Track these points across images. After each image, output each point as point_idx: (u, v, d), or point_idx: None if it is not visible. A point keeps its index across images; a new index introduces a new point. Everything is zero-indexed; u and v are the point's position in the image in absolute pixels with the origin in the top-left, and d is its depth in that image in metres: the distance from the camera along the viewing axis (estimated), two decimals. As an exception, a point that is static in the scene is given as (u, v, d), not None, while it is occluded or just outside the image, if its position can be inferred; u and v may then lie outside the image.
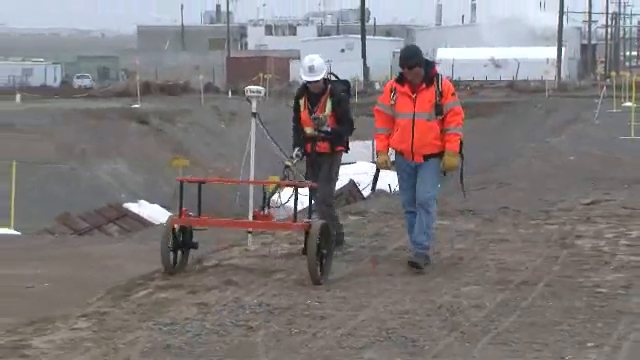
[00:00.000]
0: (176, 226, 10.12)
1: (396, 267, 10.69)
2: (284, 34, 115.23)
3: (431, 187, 10.30)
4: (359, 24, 76.70)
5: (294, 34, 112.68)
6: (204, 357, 7.44)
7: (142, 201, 28.78)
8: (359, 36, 75.13)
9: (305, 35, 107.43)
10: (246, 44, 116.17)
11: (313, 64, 10.75)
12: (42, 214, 25.18)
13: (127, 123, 38.32)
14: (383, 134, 10.35)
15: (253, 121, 10.88)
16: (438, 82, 10.13)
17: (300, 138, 10.99)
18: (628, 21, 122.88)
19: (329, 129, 10.83)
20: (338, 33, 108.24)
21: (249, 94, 10.94)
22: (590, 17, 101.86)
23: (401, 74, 10.20)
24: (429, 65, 10.24)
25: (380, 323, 8.35)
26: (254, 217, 10.39)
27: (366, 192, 24.61)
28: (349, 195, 25.53)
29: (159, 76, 71.32)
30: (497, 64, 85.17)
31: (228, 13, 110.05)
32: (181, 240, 10.15)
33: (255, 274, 10.31)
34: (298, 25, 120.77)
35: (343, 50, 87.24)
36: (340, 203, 20.73)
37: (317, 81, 10.79)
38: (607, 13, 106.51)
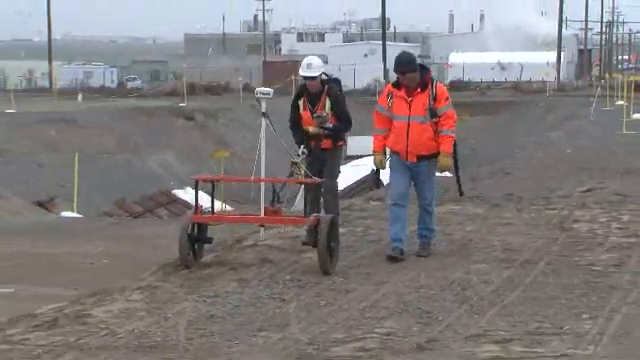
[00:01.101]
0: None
1: (413, 247, 10.68)
2: (313, 40, 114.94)
3: (430, 191, 10.07)
4: (380, 31, 76.45)
5: (322, 41, 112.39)
6: (243, 325, 7.46)
7: (188, 188, 28.78)
8: (380, 42, 74.86)
9: (332, 41, 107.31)
10: (280, 49, 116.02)
11: (312, 62, 10.45)
12: (101, 199, 25.29)
13: (175, 119, 38.40)
14: (380, 135, 9.94)
15: (263, 121, 10.41)
16: (432, 87, 9.70)
17: (301, 136, 10.57)
18: (620, 29, 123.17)
19: (331, 125, 10.46)
20: (362, 39, 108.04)
21: (259, 95, 10.53)
22: (586, 25, 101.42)
23: (398, 79, 9.83)
24: (424, 70, 9.84)
25: (398, 296, 8.36)
26: (265, 213, 9.85)
27: (385, 180, 24.49)
28: (372, 183, 25.42)
29: (203, 78, 71.42)
30: (503, 67, 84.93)
31: (264, 22, 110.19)
32: (196, 235, 9.71)
33: (287, 253, 10.33)
34: (326, 33, 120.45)
35: (366, 55, 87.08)
36: (363, 190, 20.69)
37: (314, 77, 10.36)
38: (602, 22, 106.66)
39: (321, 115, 10.33)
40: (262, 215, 9.86)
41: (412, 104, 9.62)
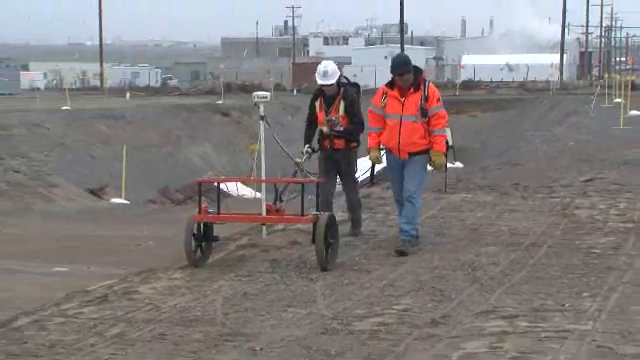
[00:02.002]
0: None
1: (430, 232, 10.67)
2: (338, 44, 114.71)
3: (416, 183, 9.46)
4: (399, 36, 76.31)
5: (346, 44, 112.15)
6: (273, 302, 7.48)
7: (223, 177, 28.96)
8: (399, 45, 74.75)
9: (355, 45, 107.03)
10: (308, 52, 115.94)
11: (327, 69, 9.79)
12: (147, 188, 25.36)
13: (213, 115, 38.45)
14: (375, 132, 9.50)
15: (261, 124, 9.78)
16: (425, 88, 9.23)
17: (310, 136, 10.09)
18: (618, 33, 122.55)
19: (342, 129, 9.88)
20: (382, 43, 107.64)
21: (256, 100, 9.79)
22: (587, 30, 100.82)
23: (392, 79, 9.35)
24: (417, 72, 9.33)
25: (415, 276, 8.36)
26: (267, 211, 9.27)
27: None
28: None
29: (238, 78, 71.39)
30: (511, 68, 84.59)
31: (294, 27, 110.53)
32: (202, 235, 9.12)
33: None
34: (349, 37, 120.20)
35: (386, 57, 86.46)
36: (383, 181, 20.62)
37: (330, 84, 9.81)
38: (601, 26, 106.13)
39: (332, 118, 9.84)
40: (264, 214, 9.28)
41: (405, 104, 9.24)
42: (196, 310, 7.25)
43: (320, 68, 9.84)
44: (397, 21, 76.34)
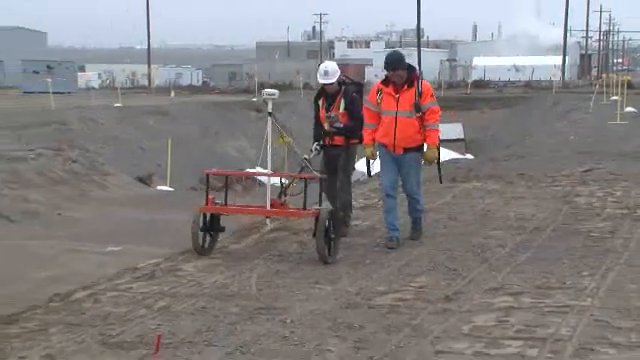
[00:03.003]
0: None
1: (443, 217, 10.64)
2: (361, 47, 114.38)
3: (416, 181, 8.92)
4: (416, 39, 76.02)
5: (368, 47, 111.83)
6: (302, 279, 7.50)
7: (258, 167, 29.00)
8: (415, 48, 74.50)
9: (376, 48, 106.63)
10: (333, 54, 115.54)
11: (328, 69, 9.19)
12: (189, 176, 25.44)
13: (248, 112, 38.42)
14: (370, 129, 8.83)
15: (269, 119, 9.23)
16: (418, 84, 8.61)
17: (319, 134, 9.45)
18: (616, 37, 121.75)
19: (341, 125, 9.20)
20: (400, 46, 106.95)
21: (265, 96, 9.29)
22: (587, 34, 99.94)
23: (386, 76, 8.73)
24: (411, 69, 8.72)
25: (430, 257, 8.35)
26: (271, 205, 8.69)
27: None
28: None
29: (271, 78, 71.43)
30: (517, 69, 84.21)
31: (321, 32, 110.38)
32: (209, 225, 8.63)
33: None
34: (371, 41, 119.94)
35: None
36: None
37: (331, 83, 9.18)
38: (600, 31, 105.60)
39: (331, 115, 9.21)
40: (268, 207, 8.72)
41: (399, 100, 8.60)
42: (233, 286, 7.28)
43: (321, 68, 9.32)
44: (414, 26, 76.02)
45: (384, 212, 9.04)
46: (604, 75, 65.02)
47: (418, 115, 8.59)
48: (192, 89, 64.71)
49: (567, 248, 8.69)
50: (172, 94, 52.42)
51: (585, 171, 15.30)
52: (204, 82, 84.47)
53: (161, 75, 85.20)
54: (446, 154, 27.52)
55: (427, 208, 9.69)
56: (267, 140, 9.22)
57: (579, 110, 35.61)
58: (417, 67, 9.08)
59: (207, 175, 8.98)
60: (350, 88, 9.35)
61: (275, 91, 9.38)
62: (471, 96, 53.63)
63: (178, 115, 33.79)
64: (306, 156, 9.34)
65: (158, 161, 24.08)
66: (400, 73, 8.59)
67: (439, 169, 9.25)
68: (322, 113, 9.39)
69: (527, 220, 10.37)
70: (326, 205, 8.47)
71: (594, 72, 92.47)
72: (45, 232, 11.96)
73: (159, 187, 20.95)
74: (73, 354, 5.54)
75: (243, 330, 6.02)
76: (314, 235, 8.07)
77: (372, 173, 9.35)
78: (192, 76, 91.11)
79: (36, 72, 55.27)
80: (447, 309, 6.52)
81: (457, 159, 23.90)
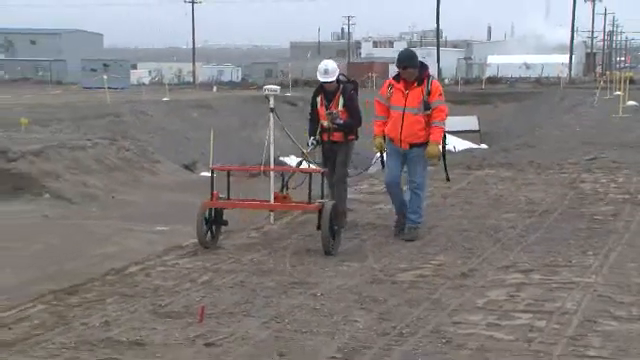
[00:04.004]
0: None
1: (459, 201, 10.58)
2: (385, 47, 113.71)
3: (421, 175, 8.26)
4: (435, 39, 75.52)
5: (392, 47, 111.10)
6: (331, 257, 7.48)
7: (292, 156, 28.99)
8: (435, 48, 74.05)
9: (399, 47, 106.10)
10: (360, 53, 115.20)
11: (327, 68, 8.57)
12: (229, 163, 25.59)
13: (282, 105, 38.36)
14: (380, 121, 8.29)
15: (271, 116, 8.66)
16: (428, 82, 8.04)
17: (314, 129, 8.84)
18: (619, 37, 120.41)
19: (341, 121, 8.64)
20: (421, 46, 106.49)
21: (267, 92, 8.70)
22: (592, 34, 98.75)
23: (398, 73, 8.19)
24: (423, 67, 8.15)
25: (447, 237, 8.31)
26: (275, 199, 8.21)
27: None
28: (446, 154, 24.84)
29: (303, 75, 71.29)
30: (528, 66, 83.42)
31: (349, 33, 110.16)
32: (213, 219, 8.06)
33: (366, 204, 10.33)
34: (394, 41, 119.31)
35: (424, 57, 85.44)
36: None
37: (331, 82, 8.60)
38: (604, 31, 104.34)
39: (331, 112, 8.63)
40: (272, 201, 8.21)
41: (408, 96, 8.04)
42: (269, 263, 7.30)
43: (321, 67, 8.66)
44: (434, 27, 75.59)
45: (392, 201, 8.58)
46: (608, 72, 64.27)
47: (426, 113, 8.05)
48: (232, 85, 64.94)
49: (573, 230, 8.61)
50: (214, 89, 52.59)
51: (590, 160, 15.15)
52: (243, 78, 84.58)
53: (204, 72, 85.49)
54: (462, 144, 27.43)
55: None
56: (270, 136, 8.78)
57: (584, 104, 35.22)
58: (429, 65, 8.41)
59: (212, 170, 8.37)
60: (348, 86, 8.82)
61: (277, 87, 8.92)
62: (485, 91, 53.24)
63: (220, 108, 33.89)
64: (304, 151, 8.90)
65: (202, 150, 24.18)
66: (411, 71, 8.06)
67: (445, 166, 8.71)
68: (322, 110, 8.79)
69: (536, 204, 10.28)
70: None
71: (598, 69, 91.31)
72: (101, 213, 12.10)
73: (202, 173, 21.06)
74: (127, 322, 5.60)
75: (278, 302, 6.04)
76: (318, 228, 7.60)
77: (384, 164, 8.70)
78: (232, 73, 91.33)
79: (94, 70, 55.79)
80: (463, 285, 6.49)
81: (472, 149, 23.77)
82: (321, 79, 8.62)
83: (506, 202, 10.52)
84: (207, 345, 5.10)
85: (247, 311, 5.82)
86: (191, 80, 72.73)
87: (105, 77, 41.84)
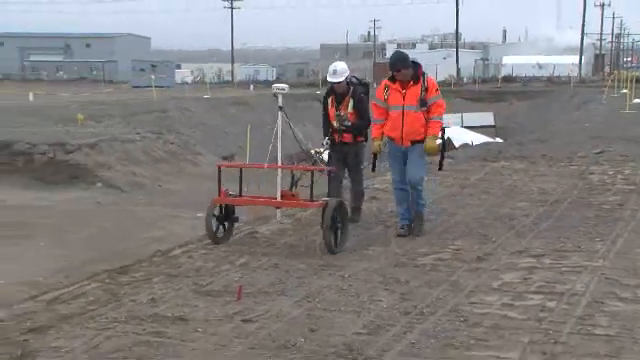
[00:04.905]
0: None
1: (477, 190, 10.50)
2: (408, 48, 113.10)
3: (419, 170, 7.76)
4: (455, 42, 74.87)
5: (414, 48, 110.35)
6: (357, 242, 7.47)
7: (321, 149, 28.93)
8: (454, 49, 73.43)
9: (421, 49, 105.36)
10: (385, 55, 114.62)
11: (337, 68, 8.07)
12: (264, 156, 25.67)
13: (312, 102, 38.42)
14: (378, 124, 7.78)
15: (279, 114, 8.11)
16: (424, 80, 7.55)
17: (328, 130, 8.40)
18: (626, 39, 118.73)
19: (349, 123, 8.13)
20: (441, 47, 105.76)
21: (275, 91, 8.08)
22: (601, 36, 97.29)
23: (393, 74, 7.65)
24: (416, 66, 7.61)
25: (465, 224, 8.25)
26: (282, 196, 7.63)
27: (457, 144, 23.96)
28: (447, 147, 24.78)
29: (333, 74, 71.24)
30: (540, 66, 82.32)
31: (375, 35, 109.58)
32: (224, 216, 7.61)
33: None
34: (417, 43, 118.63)
35: (444, 58, 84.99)
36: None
37: (340, 82, 8.05)
38: (612, 34, 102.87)
39: (340, 114, 8.15)
40: (278, 198, 7.63)
41: (406, 95, 7.56)
42: (301, 247, 7.31)
43: (331, 68, 8.17)
44: (453, 30, 74.88)
45: (396, 204, 8.04)
46: (615, 72, 63.20)
47: (424, 109, 7.57)
48: (267, 83, 64.90)
49: (582, 218, 8.51)
50: (251, 88, 52.72)
51: (598, 153, 14.94)
52: (277, 77, 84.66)
53: (242, 72, 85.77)
54: (480, 138, 27.19)
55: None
56: (277, 134, 8.18)
57: (593, 101, 34.70)
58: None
59: (219, 168, 7.79)
60: (358, 89, 8.27)
61: (285, 86, 8.25)
62: (501, 89, 52.67)
63: (256, 105, 33.98)
64: (316, 150, 8.48)
65: (239, 143, 24.28)
66: (405, 72, 7.55)
67: (442, 158, 8.17)
68: (332, 112, 8.31)
69: (548, 194, 10.17)
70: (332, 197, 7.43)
71: (607, 69, 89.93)
72: (148, 200, 12.21)
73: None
74: (172, 299, 5.65)
75: (309, 283, 6.05)
76: (322, 226, 7.07)
77: (375, 169, 8.27)
78: (267, 72, 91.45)
79: (142, 70, 56.19)
80: (479, 268, 6.45)
81: (489, 142, 23.55)
82: (330, 79, 8.17)
83: (520, 192, 10.42)
84: (244, 321, 5.13)
85: (281, 291, 5.85)
86: (230, 79, 72.98)
87: (152, 77, 42.12)
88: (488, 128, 35.37)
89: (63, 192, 12.67)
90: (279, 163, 8.29)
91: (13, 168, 13.75)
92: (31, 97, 31.11)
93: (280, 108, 8.08)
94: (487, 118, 39.65)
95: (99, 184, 13.44)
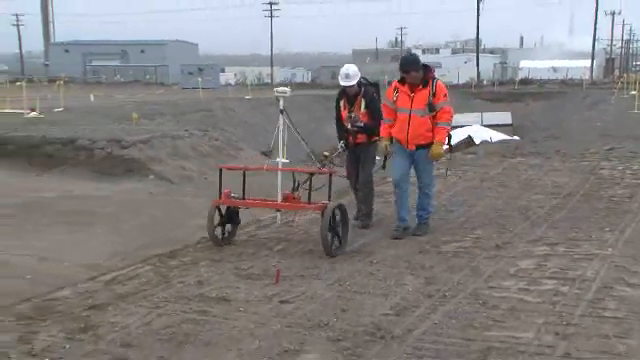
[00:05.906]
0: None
1: (495, 184, 10.39)
2: (432, 53, 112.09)
3: (429, 176, 7.37)
4: (475, 47, 74.10)
5: (438, 53, 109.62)
6: (385, 231, 7.45)
7: (326, 152, 28.81)
8: (475, 54, 72.66)
9: (444, 54, 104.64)
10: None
11: (348, 72, 7.49)
12: (299, 151, 25.75)
13: (345, 102, 38.42)
14: (387, 124, 7.27)
15: (281, 117, 7.70)
16: (433, 84, 7.02)
17: (342, 132, 7.87)
18: (635, 44, 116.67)
19: (362, 124, 7.58)
20: (463, 52, 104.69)
21: (277, 94, 7.65)
22: (612, 42, 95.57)
23: (403, 76, 7.16)
24: (427, 70, 7.11)
25: (484, 215, 8.18)
26: (284, 199, 7.15)
27: (477, 141, 23.71)
28: (467, 144, 24.65)
29: (363, 77, 70.93)
30: (555, 70, 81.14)
31: (402, 41, 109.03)
32: (226, 218, 7.06)
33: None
34: (440, 48, 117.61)
35: (466, 62, 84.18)
36: (461, 148, 20.15)
37: (352, 85, 7.51)
38: (622, 39, 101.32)
39: (351, 115, 7.63)
40: (279, 201, 7.17)
41: (414, 99, 7.04)
42: (333, 234, 7.29)
43: (342, 71, 7.61)
44: (474, 36, 74.05)
45: (396, 204, 7.43)
46: (625, 75, 61.91)
47: (431, 115, 7.03)
48: (303, 85, 64.93)
49: (593, 209, 8.38)
50: (288, 89, 52.69)
51: (608, 150, 14.68)
52: (312, 80, 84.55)
53: (280, 74, 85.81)
54: (498, 136, 26.88)
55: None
56: (279, 137, 7.83)
57: (604, 102, 34.05)
58: (432, 67, 7.13)
59: (220, 170, 7.19)
60: (369, 89, 7.71)
61: (287, 89, 7.77)
62: (518, 91, 51.97)
63: (292, 105, 33.97)
64: (326, 153, 8.06)
65: (277, 139, 24.31)
66: (414, 74, 7.04)
67: (447, 164, 7.60)
68: (344, 113, 7.78)
69: (561, 187, 10.03)
70: (336, 200, 6.98)
71: (617, 72, 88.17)
72: (196, 192, 12.30)
73: (278, 159, 21.12)
74: (216, 281, 5.70)
75: (340, 268, 6.06)
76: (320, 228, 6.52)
77: (385, 167, 7.75)
78: (303, 75, 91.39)
79: (190, 73, 56.59)
80: (497, 255, 6.40)
81: (506, 140, 23.29)
82: (342, 83, 7.60)
83: (535, 185, 10.28)
84: (282, 302, 5.15)
85: (315, 274, 5.86)
86: (269, 81, 73.14)
87: (200, 79, 42.43)
88: (506, 126, 34.96)
89: (119, 183, 12.84)
90: (280, 166, 7.86)
91: (76, 162, 13.98)
92: (92, 98, 31.54)
93: (281, 111, 7.60)
94: (505, 117, 39.18)
95: (151, 176, 13.58)
